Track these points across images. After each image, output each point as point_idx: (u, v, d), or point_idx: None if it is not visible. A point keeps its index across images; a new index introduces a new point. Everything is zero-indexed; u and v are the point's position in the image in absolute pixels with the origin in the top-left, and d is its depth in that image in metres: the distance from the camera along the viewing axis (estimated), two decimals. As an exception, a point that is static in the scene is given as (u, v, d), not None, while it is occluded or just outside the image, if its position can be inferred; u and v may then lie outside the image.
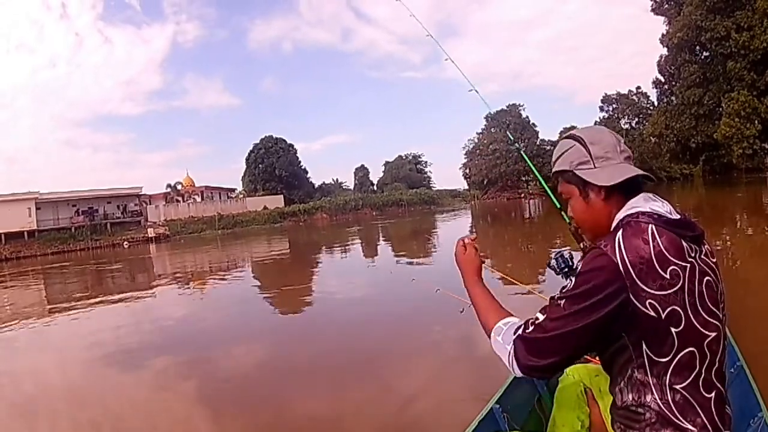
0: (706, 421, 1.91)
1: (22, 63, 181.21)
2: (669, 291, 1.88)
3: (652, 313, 1.87)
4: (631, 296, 1.87)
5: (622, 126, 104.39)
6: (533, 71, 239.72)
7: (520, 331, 2.07)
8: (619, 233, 1.97)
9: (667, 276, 1.89)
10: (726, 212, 29.13)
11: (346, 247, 35.78)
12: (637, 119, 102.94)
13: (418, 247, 29.07)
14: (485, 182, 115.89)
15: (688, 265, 1.94)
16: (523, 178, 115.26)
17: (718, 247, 15.28)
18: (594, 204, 2.19)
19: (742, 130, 49.36)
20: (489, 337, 2.23)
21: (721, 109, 53.67)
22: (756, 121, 49.33)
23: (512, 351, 2.06)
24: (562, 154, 2.27)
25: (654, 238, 1.93)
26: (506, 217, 52.06)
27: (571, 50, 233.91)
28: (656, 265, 1.89)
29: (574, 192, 2.25)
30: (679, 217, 2.05)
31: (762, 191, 40.84)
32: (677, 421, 1.91)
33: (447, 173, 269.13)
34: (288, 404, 7.27)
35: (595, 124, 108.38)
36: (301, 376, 8.48)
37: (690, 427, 1.90)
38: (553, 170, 2.33)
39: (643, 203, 2.08)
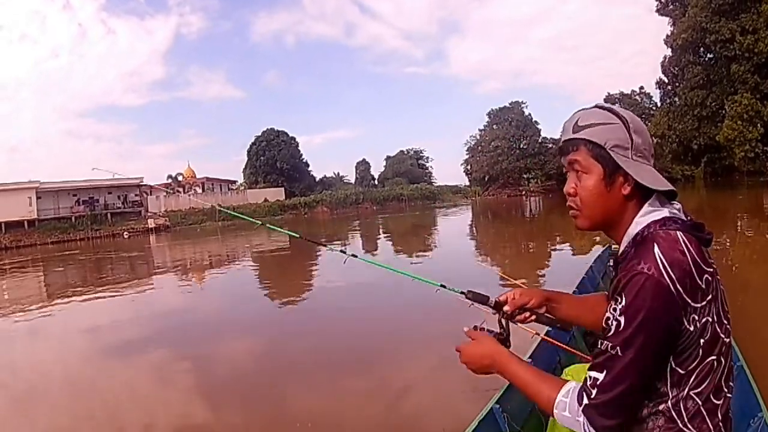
0: (711, 428, 1.85)
1: (25, 54, 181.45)
2: (704, 302, 1.77)
3: (692, 328, 1.77)
4: (682, 315, 1.75)
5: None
6: (535, 69, 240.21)
7: (585, 400, 1.85)
8: (656, 248, 1.78)
9: (703, 285, 1.77)
10: (727, 214, 29.11)
11: (347, 242, 35.73)
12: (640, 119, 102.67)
13: (419, 243, 29.05)
14: (486, 179, 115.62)
15: (713, 269, 1.82)
16: (525, 176, 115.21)
17: (717, 248, 15.26)
18: (615, 194, 1.96)
19: (745, 133, 49.30)
20: (551, 414, 1.99)
21: (724, 111, 53.54)
22: (759, 125, 49.22)
23: (585, 423, 1.85)
24: (599, 125, 1.96)
25: (687, 247, 1.78)
26: (507, 215, 52.03)
27: (573, 49, 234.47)
28: (696, 276, 1.76)
29: (596, 170, 1.97)
30: (690, 218, 1.92)
31: (763, 194, 40.77)
32: (684, 428, 1.85)
33: (448, 169, 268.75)
34: (287, 396, 7.29)
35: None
36: (300, 368, 8.49)
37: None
38: (577, 135, 2.01)
39: (660, 206, 1.93)
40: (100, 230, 75.80)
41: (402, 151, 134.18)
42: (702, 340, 1.78)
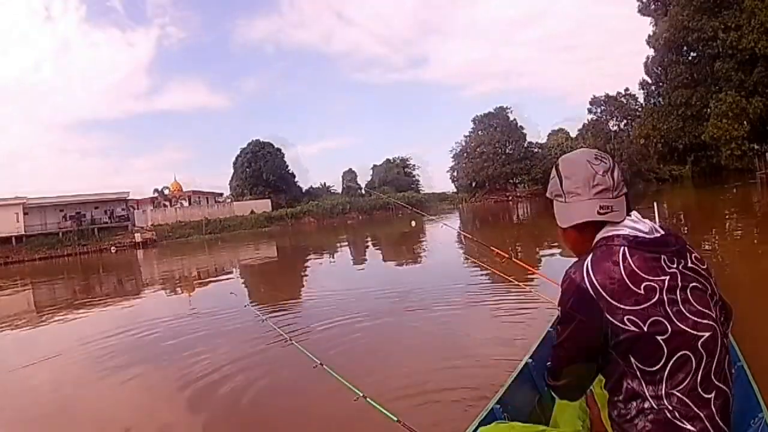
0: (706, 422, 1.96)
1: (8, 66, 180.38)
2: (646, 304, 2.00)
3: (634, 328, 1.98)
4: (607, 315, 2.01)
5: (611, 128, 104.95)
6: (525, 71, 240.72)
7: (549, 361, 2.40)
8: (589, 258, 2.14)
9: (642, 291, 2.01)
10: (716, 213, 29.09)
11: (334, 252, 35.80)
12: (625, 121, 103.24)
13: (408, 252, 29.02)
14: (473, 185, 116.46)
15: (667, 276, 2.06)
16: (511, 181, 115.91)
17: (707, 248, 15.19)
18: (569, 233, 2.35)
19: (730, 131, 49.42)
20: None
21: (708, 110, 53.55)
22: (744, 122, 49.34)
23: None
24: (549, 181, 2.43)
25: (625, 259, 2.07)
26: (494, 220, 52.14)
27: (566, 50, 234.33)
28: (629, 283, 2.02)
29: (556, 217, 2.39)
30: (659, 234, 2.17)
31: (752, 192, 40.90)
32: (678, 423, 1.96)
33: (435, 176, 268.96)
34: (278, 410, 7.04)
35: (583, 126, 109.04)
36: (291, 376, 8.22)
37: (689, 427, 1.96)
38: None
39: (621, 225, 2.19)
40: (87, 245, 76.23)
41: (388, 160, 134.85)
42: (659, 338, 1.98)
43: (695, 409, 1.97)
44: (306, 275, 24.31)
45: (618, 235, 2.14)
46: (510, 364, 4.57)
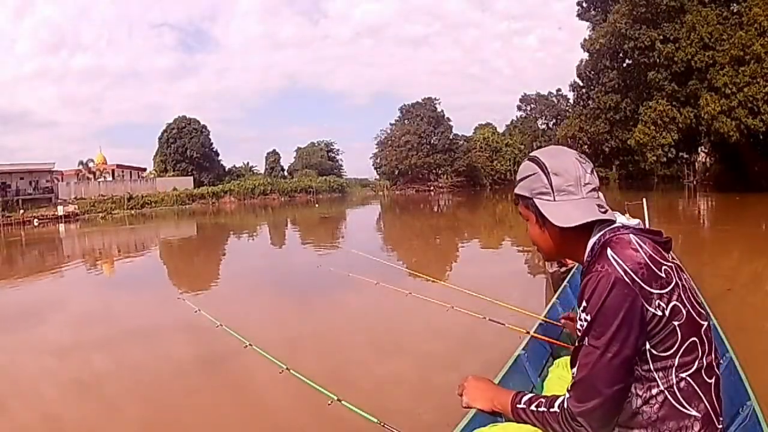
0: (708, 407, 2.01)
1: None
2: (668, 288, 1.99)
3: (660, 313, 1.96)
4: (643, 301, 1.94)
5: (539, 126, 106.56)
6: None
7: (566, 404, 2.12)
8: (609, 251, 2.02)
9: (663, 275, 2.00)
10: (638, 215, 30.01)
11: (254, 232, 36.59)
12: (554, 120, 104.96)
13: (326, 234, 29.39)
14: (396, 173, 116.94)
15: (673, 264, 2.09)
16: (434, 172, 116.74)
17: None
18: (550, 233, 2.27)
19: (657, 138, 50.56)
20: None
21: (638, 116, 54.72)
22: (674, 131, 50.33)
23: (565, 415, 2.11)
24: (524, 179, 2.32)
25: (641, 245, 2.03)
26: (416, 210, 52.91)
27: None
28: (653, 266, 1.99)
29: (531, 217, 2.33)
30: (647, 227, 2.19)
31: (678, 199, 42.23)
32: (682, 409, 1.99)
33: (358, 162, 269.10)
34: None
35: (511, 122, 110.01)
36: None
37: (694, 413, 1.99)
38: (515, 191, 2.40)
39: (617, 218, 2.18)
40: (10, 217, 74.23)
41: (313, 143, 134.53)
42: (676, 323, 1.98)
43: (699, 393, 2.00)
44: (225, 257, 24.66)
45: (620, 226, 2.14)
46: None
